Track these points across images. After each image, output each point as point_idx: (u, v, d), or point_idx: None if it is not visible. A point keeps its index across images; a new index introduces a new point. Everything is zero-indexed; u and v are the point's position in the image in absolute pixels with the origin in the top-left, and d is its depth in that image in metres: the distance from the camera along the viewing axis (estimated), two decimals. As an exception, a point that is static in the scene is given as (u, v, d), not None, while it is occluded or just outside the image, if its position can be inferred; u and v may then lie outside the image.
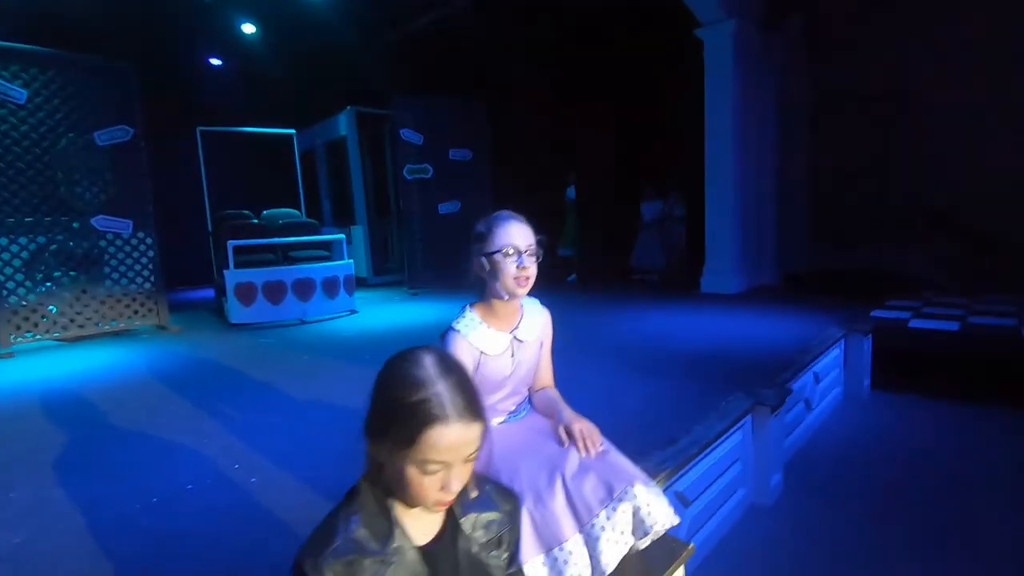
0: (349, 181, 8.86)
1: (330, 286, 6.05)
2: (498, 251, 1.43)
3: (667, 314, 5.15)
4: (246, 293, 5.69)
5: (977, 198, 5.95)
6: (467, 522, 0.93)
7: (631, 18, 7.11)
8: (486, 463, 0.92)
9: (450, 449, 0.79)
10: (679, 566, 1.52)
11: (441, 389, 0.80)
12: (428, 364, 0.83)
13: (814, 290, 5.97)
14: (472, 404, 0.82)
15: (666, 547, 1.51)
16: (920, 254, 6.27)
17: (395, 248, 9.50)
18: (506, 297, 1.48)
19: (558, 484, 1.32)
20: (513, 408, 1.60)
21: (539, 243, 1.47)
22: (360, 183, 8.74)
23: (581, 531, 1.28)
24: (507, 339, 1.52)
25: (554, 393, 1.64)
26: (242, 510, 1.96)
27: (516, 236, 1.44)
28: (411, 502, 0.85)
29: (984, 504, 2.60)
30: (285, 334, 5.36)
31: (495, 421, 1.56)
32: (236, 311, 5.71)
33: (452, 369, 0.84)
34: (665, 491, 1.98)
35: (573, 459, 1.36)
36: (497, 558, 0.94)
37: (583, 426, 1.42)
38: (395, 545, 0.84)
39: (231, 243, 5.73)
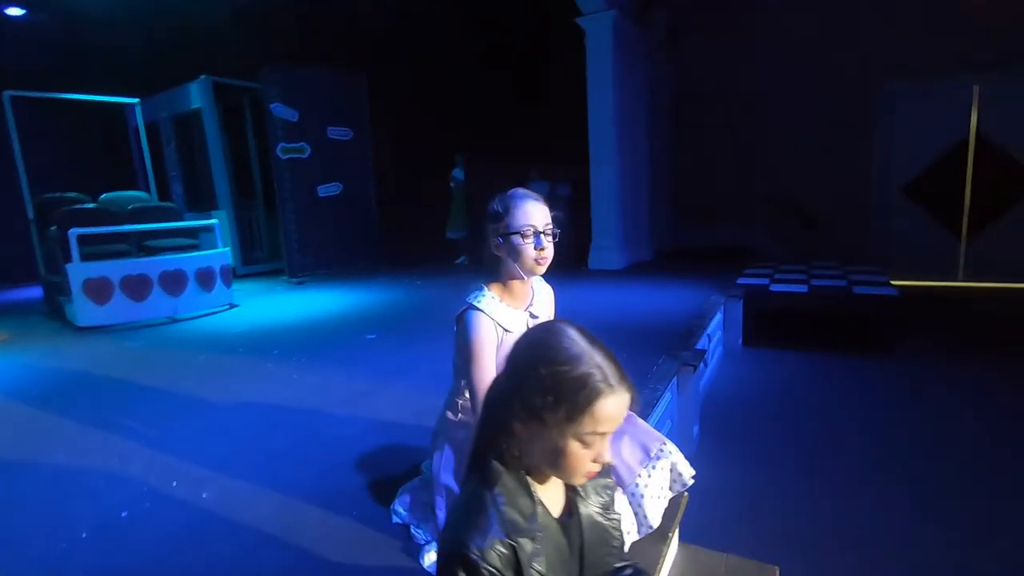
0: (207, 161, 7.86)
1: (205, 278, 5.39)
2: (517, 232, 1.43)
3: (565, 289, 5.38)
4: (100, 290, 4.86)
5: (805, 185, 7.12)
6: (585, 490, 0.95)
7: (516, 2, 7.20)
8: None
9: (611, 419, 0.81)
10: (682, 512, 1.68)
11: (600, 360, 0.81)
12: (578, 338, 0.83)
13: (682, 264, 6.68)
14: (625, 374, 0.84)
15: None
16: (764, 231, 7.33)
17: (263, 234, 8.70)
18: (524, 277, 1.49)
19: (597, 451, 1.38)
20: None
21: (555, 220, 1.50)
22: (221, 163, 7.80)
23: (625, 492, 1.36)
24: (523, 316, 1.54)
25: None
26: (207, 529, 1.73)
27: (534, 216, 1.45)
28: (560, 476, 0.86)
29: (845, 429, 3.18)
30: (156, 335, 4.70)
31: None
32: (86, 312, 4.87)
33: (597, 341, 0.85)
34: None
35: (605, 426, 1.43)
36: (613, 520, 0.98)
37: (606, 395, 1.49)
38: (540, 521, 0.85)
39: (74, 232, 4.84)
